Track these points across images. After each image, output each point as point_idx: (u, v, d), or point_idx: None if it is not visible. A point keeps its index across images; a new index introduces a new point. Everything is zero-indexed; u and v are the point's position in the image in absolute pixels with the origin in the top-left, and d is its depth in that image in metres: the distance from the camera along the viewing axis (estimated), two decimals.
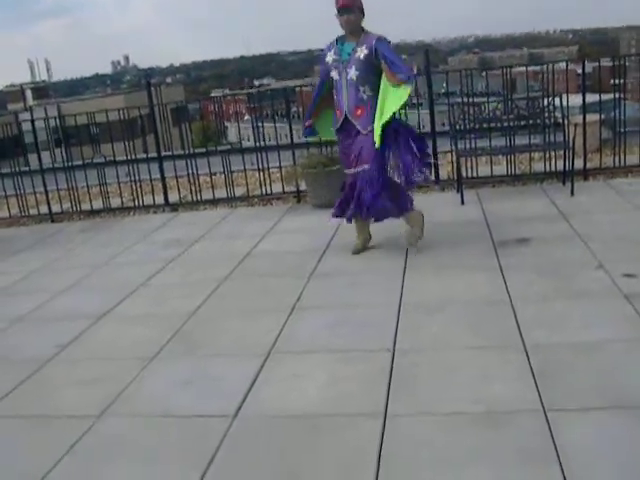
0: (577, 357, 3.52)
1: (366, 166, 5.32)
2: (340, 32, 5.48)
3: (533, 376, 3.35)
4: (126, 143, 8.97)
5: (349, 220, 5.70)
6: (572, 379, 3.30)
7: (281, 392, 3.54)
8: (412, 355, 3.77)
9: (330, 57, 5.46)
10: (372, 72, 5.29)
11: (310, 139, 6.65)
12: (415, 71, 5.62)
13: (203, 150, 9.25)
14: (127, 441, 3.27)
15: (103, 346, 4.51)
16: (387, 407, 3.23)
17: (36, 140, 9.43)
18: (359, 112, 5.35)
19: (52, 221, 9.05)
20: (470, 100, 7.82)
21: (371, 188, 5.30)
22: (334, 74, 5.43)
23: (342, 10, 5.30)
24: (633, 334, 3.74)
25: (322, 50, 5.62)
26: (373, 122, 5.22)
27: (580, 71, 8.33)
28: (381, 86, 5.20)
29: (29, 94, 52.50)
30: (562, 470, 2.61)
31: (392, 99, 5.12)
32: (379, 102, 5.18)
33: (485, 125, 7.68)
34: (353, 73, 5.30)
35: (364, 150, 5.32)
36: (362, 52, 5.29)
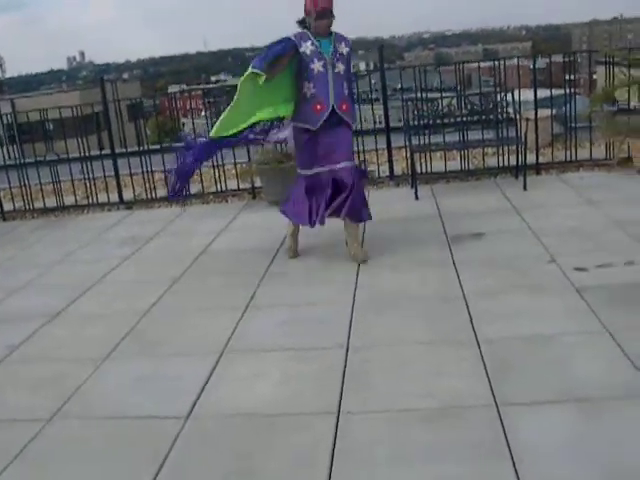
0: (529, 351, 3.57)
1: (349, 163, 5.29)
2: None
3: (486, 371, 3.38)
4: (80, 140, 8.82)
5: (322, 222, 5.37)
6: (524, 373, 3.34)
7: (234, 391, 3.52)
8: (365, 352, 3.78)
9: (307, 48, 5.19)
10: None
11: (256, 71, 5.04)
12: None
13: (157, 147, 9.16)
14: (79, 443, 3.23)
15: (56, 346, 4.44)
16: (340, 405, 3.23)
17: None
18: (344, 107, 5.29)
19: (4, 220, 8.87)
20: (424, 96, 7.86)
21: (358, 186, 5.30)
22: (317, 66, 5.18)
23: (324, 14, 5.15)
24: (584, 327, 3.80)
25: (289, 38, 5.20)
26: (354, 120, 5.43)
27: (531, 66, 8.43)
28: None
29: None
30: (514, 465, 2.64)
31: None
32: None
33: (439, 121, 7.73)
34: (341, 67, 5.25)
35: (347, 146, 5.35)
36: (344, 49, 5.28)
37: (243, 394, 3.47)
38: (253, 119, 5.38)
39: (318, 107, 5.26)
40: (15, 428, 3.42)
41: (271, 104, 5.38)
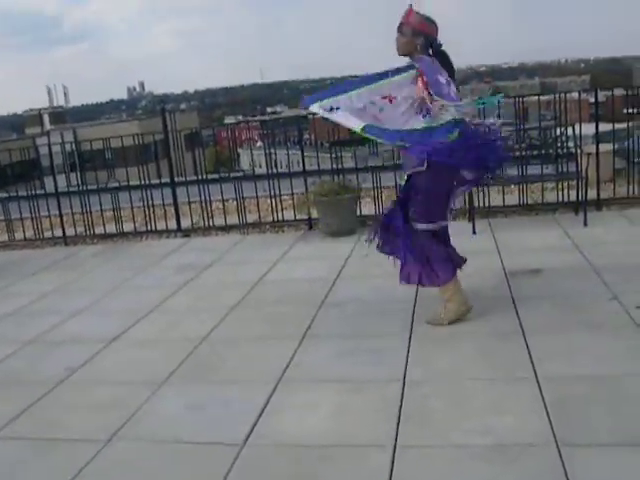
0: (591, 391, 3.47)
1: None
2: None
3: (546, 409, 3.31)
4: (140, 168, 9.02)
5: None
6: (586, 413, 3.25)
7: (291, 421, 3.51)
8: (422, 386, 3.74)
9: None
10: None
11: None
12: None
13: (216, 176, 9.31)
14: (135, 466, 3.26)
15: (114, 370, 4.51)
16: (397, 438, 3.20)
17: (52, 164, 9.55)
18: None
19: (66, 244, 9.10)
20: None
21: None
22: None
23: (400, 27, 4.54)
24: None
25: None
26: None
27: (592, 100, 8.32)
28: None
29: (46, 119, 53.21)
30: None
31: None
32: None
33: None
34: None
35: None
36: None
37: (300, 424, 3.47)
38: None
39: None
40: (74, 449, 3.48)
41: None
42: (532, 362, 3.85)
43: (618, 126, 8.53)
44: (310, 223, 8.21)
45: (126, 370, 4.49)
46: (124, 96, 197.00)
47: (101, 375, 4.45)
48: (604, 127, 8.39)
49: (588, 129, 8.00)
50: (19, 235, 9.49)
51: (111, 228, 9.15)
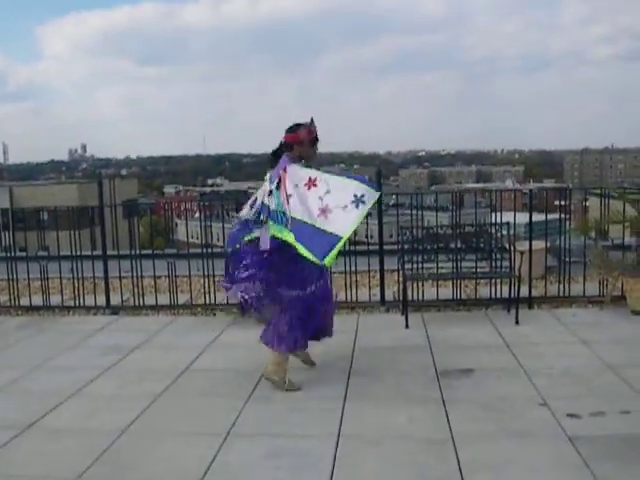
0: None
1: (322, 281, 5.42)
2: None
3: None
4: (72, 233, 8.76)
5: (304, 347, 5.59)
6: None
7: None
8: None
9: None
10: None
11: None
12: None
13: (149, 252, 9.13)
14: None
15: (25, 463, 4.25)
16: None
17: None
18: None
19: None
20: (419, 214, 8.05)
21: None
22: None
23: (317, 140, 5.33)
24: None
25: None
26: None
27: (525, 191, 8.57)
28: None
29: None
30: None
31: None
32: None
33: (433, 246, 7.72)
34: None
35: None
36: None
37: None
38: None
39: None
40: None
41: None
42: (461, 472, 3.77)
43: (551, 217, 8.79)
44: (242, 308, 8.04)
45: (38, 464, 4.22)
46: (65, 158, 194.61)
47: (11, 468, 4.18)
48: (537, 217, 8.51)
49: (521, 218, 8.12)
50: None
51: (37, 300, 8.83)
